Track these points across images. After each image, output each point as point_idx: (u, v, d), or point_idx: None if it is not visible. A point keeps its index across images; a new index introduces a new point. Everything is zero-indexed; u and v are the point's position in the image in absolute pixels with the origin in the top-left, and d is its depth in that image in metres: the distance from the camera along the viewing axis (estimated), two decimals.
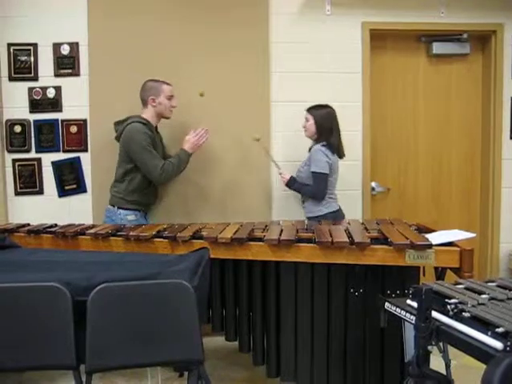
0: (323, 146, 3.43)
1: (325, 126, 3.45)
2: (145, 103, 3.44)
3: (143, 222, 3.43)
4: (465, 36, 3.97)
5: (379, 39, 3.95)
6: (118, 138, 3.42)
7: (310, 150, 3.54)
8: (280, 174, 3.60)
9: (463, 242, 2.54)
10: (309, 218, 3.45)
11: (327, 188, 3.43)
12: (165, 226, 2.96)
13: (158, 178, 3.31)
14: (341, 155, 3.51)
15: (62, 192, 3.82)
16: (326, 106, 3.50)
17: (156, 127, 3.50)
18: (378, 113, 4.01)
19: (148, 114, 3.43)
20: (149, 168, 3.29)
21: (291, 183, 3.54)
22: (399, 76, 4.07)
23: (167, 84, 3.44)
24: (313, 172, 3.41)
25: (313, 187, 3.43)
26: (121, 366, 2.07)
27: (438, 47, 4.02)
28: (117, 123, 3.47)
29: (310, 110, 3.49)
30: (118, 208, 3.40)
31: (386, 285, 2.58)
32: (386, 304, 1.91)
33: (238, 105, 3.81)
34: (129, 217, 3.39)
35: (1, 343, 1.98)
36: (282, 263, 2.64)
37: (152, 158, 3.29)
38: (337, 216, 3.46)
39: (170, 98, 3.43)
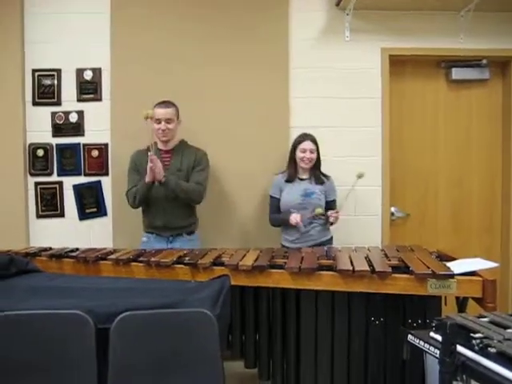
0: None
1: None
2: None
3: (153, 245, 3.37)
4: (484, 62, 3.97)
5: (398, 65, 3.96)
6: None
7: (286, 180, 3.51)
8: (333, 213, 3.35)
9: (485, 272, 2.53)
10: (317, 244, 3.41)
11: None
12: (185, 252, 2.98)
13: (128, 202, 3.43)
14: None
15: (83, 215, 3.86)
16: None
17: (176, 146, 3.48)
18: (397, 138, 4.00)
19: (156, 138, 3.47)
20: None
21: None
22: (419, 101, 4.07)
23: (159, 106, 3.38)
24: (334, 200, 3.49)
25: None
26: None
27: (457, 73, 4.01)
28: None
29: (314, 140, 3.49)
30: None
31: (407, 314, 2.57)
32: (409, 336, 1.89)
33: (257, 130, 3.84)
34: (143, 238, 3.49)
35: (22, 370, 1.99)
36: (303, 291, 2.64)
37: (128, 181, 3.45)
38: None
39: (158, 121, 3.36)
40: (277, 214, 3.51)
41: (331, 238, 3.53)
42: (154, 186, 3.29)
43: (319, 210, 3.30)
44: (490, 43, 3.92)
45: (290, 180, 3.50)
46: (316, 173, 3.49)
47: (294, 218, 3.32)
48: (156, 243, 3.40)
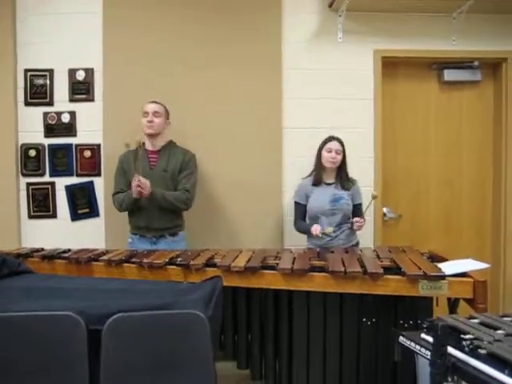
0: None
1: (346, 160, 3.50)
2: None
3: (137, 246, 3.39)
4: (476, 63, 3.99)
5: (391, 66, 3.98)
6: None
7: (313, 183, 3.47)
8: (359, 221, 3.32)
9: (476, 273, 2.54)
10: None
11: None
12: (178, 253, 2.98)
13: (114, 205, 3.48)
14: None
15: (75, 216, 3.85)
16: None
17: (163, 147, 3.47)
18: (389, 139, 4.02)
19: (145, 137, 3.48)
20: None
21: None
22: (411, 103, 4.09)
23: (148, 103, 3.46)
24: (360, 203, 3.47)
25: (363, 217, 3.41)
26: None
27: (449, 74, 4.04)
28: None
29: (341, 142, 3.47)
30: None
31: (399, 315, 2.58)
32: (401, 338, 1.90)
33: (250, 131, 3.85)
34: (129, 239, 3.50)
35: (12, 371, 1.98)
36: (295, 291, 2.64)
37: (115, 183, 3.49)
38: None
39: (146, 115, 3.41)
40: (302, 222, 3.49)
41: (357, 242, 3.50)
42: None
43: (330, 229, 3.27)
44: (482, 45, 3.95)
45: (316, 183, 3.46)
46: (342, 177, 3.46)
47: (315, 229, 3.28)
48: (139, 244, 3.41)
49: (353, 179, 3.51)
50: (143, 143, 3.42)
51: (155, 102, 3.45)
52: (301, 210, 3.49)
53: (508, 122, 4.00)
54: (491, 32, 3.94)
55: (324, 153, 3.43)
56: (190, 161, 3.48)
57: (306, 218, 3.50)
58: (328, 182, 3.47)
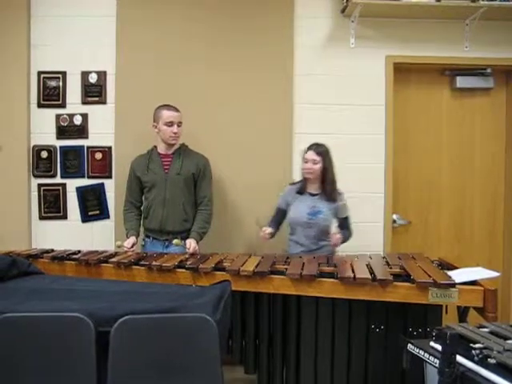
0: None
1: (332, 171, 3.32)
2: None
3: (149, 249, 3.39)
4: (488, 70, 3.97)
5: (403, 72, 3.97)
6: None
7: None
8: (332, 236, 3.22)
9: (487, 281, 2.52)
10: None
11: None
12: (187, 256, 2.98)
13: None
14: None
15: (86, 217, 3.87)
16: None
17: (176, 150, 3.46)
18: (400, 146, 4.00)
19: (158, 141, 3.47)
20: None
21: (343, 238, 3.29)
22: (422, 109, 4.07)
23: (168, 109, 3.38)
24: (346, 217, 3.35)
25: (350, 231, 3.37)
26: None
27: (461, 81, 4.01)
28: None
29: (320, 152, 3.28)
30: None
31: (408, 322, 2.57)
32: (409, 345, 1.89)
33: (261, 135, 3.85)
34: (142, 241, 3.50)
35: (21, 372, 1.99)
36: (304, 297, 2.64)
37: (127, 191, 3.53)
38: None
39: (170, 124, 3.35)
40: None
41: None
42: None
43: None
44: (495, 52, 3.93)
45: (300, 192, 3.34)
46: (326, 189, 3.30)
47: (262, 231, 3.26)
48: (152, 247, 3.41)
49: (339, 192, 3.34)
50: (155, 146, 3.45)
51: (176, 109, 3.40)
52: (276, 213, 3.41)
53: None
54: (504, 39, 3.92)
55: (302, 163, 3.34)
56: (206, 166, 3.48)
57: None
58: (312, 192, 3.36)
